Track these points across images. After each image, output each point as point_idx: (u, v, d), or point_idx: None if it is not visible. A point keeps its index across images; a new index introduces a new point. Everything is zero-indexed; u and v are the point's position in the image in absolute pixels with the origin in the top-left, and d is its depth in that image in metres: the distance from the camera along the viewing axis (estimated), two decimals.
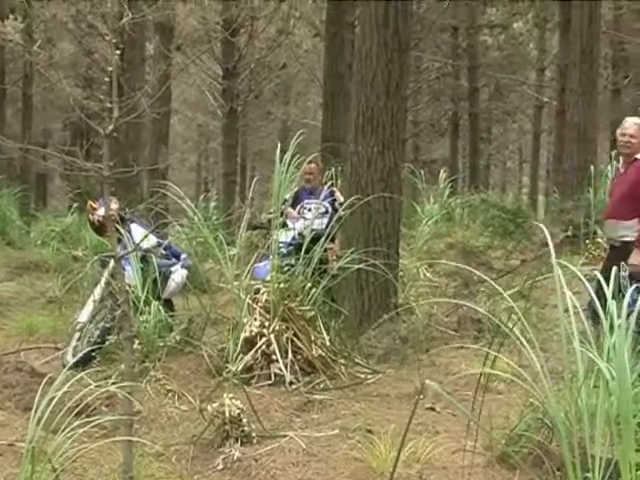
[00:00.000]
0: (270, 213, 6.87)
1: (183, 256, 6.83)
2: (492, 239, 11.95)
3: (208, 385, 5.21)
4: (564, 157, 13.75)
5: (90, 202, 6.59)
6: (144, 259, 6.20)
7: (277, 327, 5.54)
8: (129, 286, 5.10)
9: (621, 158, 6.24)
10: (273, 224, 6.25)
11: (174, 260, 6.68)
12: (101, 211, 6.22)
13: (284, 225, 7.12)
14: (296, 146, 6.30)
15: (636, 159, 5.69)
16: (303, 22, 18.89)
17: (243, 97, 19.45)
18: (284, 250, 6.74)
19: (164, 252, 6.61)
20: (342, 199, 7.46)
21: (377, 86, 6.92)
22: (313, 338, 5.60)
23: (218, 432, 4.32)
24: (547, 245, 3.08)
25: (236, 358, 5.44)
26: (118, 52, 3.61)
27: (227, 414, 4.28)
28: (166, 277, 6.40)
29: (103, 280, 6.22)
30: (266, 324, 5.57)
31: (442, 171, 15.42)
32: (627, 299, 2.95)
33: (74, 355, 5.84)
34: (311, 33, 19.25)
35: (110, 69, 3.62)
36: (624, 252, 5.51)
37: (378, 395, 5.22)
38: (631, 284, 4.67)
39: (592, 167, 11.72)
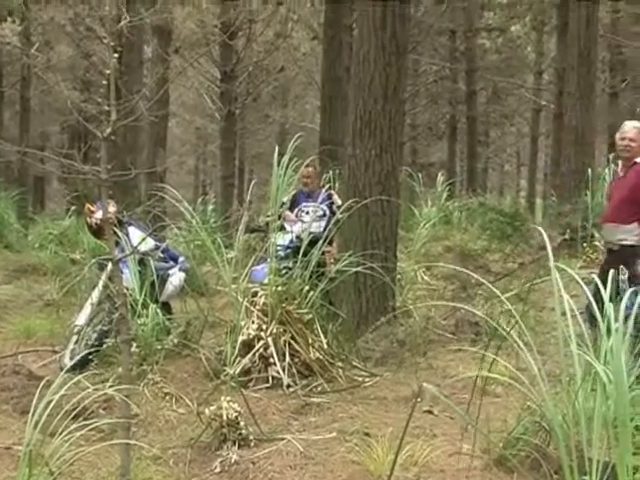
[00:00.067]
0: (268, 216, 6.86)
1: (181, 259, 6.84)
2: (490, 242, 11.94)
3: (206, 388, 5.21)
4: (562, 160, 13.74)
5: (88, 205, 6.59)
6: (142, 262, 6.20)
7: (275, 330, 5.54)
8: (127, 289, 5.09)
9: (620, 161, 6.23)
10: (271, 227, 6.24)
11: (172, 263, 6.69)
12: (99, 214, 6.21)
13: (282, 228, 7.13)
14: (294, 149, 6.31)
15: (635, 163, 5.66)
16: (301, 25, 18.91)
17: (241, 100, 19.45)
18: (282, 253, 6.75)
19: (162, 255, 6.62)
20: (340, 202, 7.46)
21: (375, 89, 6.93)
22: (311, 341, 5.60)
23: (216, 435, 4.32)
24: (545, 248, 3.08)
25: (234, 361, 5.43)
26: (116, 55, 3.61)
27: (225, 417, 4.28)
28: (164, 280, 6.41)
29: (101, 283, 6.22)
30: (264, 327, 5.57)
31: (440, 174, 15.41)
32: (624, 302, 2.96)
33: (72, 358, 5.84)
34: (309, 36, 19.26)
35: (108, 72, 3.62)
36: (622, 255, 5.51)
37: (376, 398, 5.22)
38: (630, 287, 4.67)
39: (590, 170, 11.76)
